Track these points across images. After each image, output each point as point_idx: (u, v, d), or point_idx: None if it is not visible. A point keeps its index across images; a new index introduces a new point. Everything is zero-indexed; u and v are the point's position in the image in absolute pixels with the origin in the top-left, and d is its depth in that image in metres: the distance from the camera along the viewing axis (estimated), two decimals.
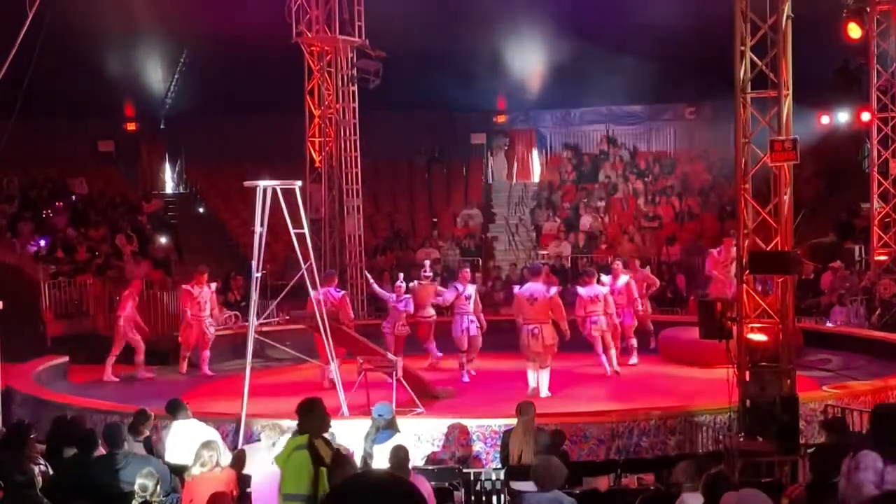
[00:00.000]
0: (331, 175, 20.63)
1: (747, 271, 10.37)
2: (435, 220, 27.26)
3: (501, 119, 29.35)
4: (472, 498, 9.47)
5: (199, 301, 16.34)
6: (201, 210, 27.93)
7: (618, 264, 17.22)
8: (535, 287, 14.19)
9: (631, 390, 14.41)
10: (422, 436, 10.96)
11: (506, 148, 29.52)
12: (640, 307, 16.60)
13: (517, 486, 8.87)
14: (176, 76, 28.18)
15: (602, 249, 24.17)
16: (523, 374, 14.43)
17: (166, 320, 17.95)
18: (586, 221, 25.51)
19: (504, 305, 19.67)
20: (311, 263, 11.84)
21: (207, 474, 7.83)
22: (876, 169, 18.67)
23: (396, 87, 20.65)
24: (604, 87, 26.55)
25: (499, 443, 10.48)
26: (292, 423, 10.19)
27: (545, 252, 24.69)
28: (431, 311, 16.36)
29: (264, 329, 12.76)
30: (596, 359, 15.39)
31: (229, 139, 27.30)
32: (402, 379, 12.53)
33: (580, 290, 15.55)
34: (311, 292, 12.18)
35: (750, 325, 10.41)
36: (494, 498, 9.48)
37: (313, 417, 7.30)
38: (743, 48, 10.27)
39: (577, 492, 8.66)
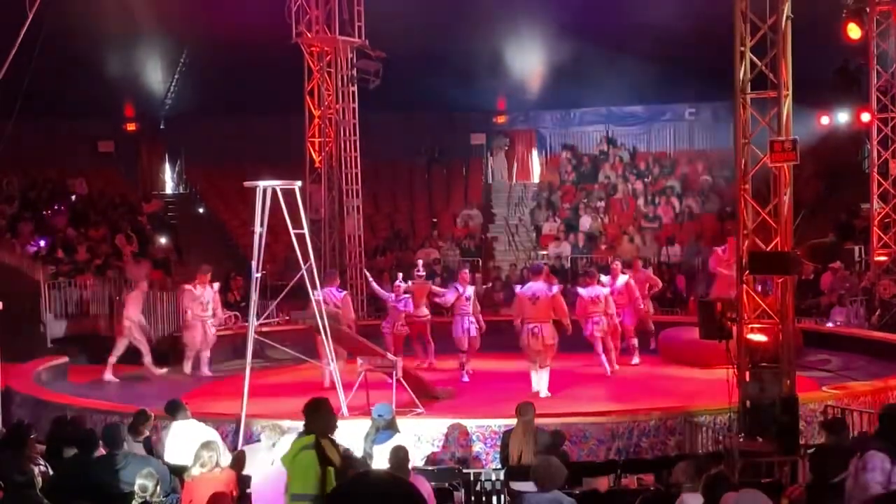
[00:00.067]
0: (331, 175, 20.63)
1: (747, 272, 10.38)
2: (435, 220, 27.27)
3: (501, 119, 29.36)
4: (472, 498, 9.46)
5: (202, 301, 16.28)
6: (201, 210, 27.94)
7: (617, 264, 17.23)
8: (537, 286, 14.22)
9: (631, 391, 14.41)
10: (422, 436, 10.96)
11: (506, 148, 29.52)
12: (641, 305, 16.61)
13: (517, 486, 8.86)
14: (176, 76, 28.20)
15: (602, 250, 24.19)
16: (523, 374, 14.43)
17: (166, 320, 17.96)
18: (586, 222, 25.52)
19: (504, 306, 19.68)
20: (310, 264, 11.83)
21: (207, 475, 7.83)
22: (876, 169, 18.66)
23: (396, 88, 20.65)
24: (603, 88, 26.58)
25: (498, 443, 10.48)
26: (292, 424, 10.22)
27: (545, 252, 24.71)
28: (425, 311, 16.35)
29: (264, 329, 12.75)
30: (596, 359, 15.41)
31: (229, 139, 27.33)
32: (402, 379, 12.52)
33: (581, 290, 15.58)
34: (312, 293, 12.17)
35: (750, 326, 10.41)
36: (494, 498, 9.48)
37: (320, 417, 7.29)
38: (743, 49, 10.27)
39: (577, 492, 8.65)
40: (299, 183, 11.97)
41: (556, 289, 14.48)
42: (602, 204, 26.32)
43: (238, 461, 8.86)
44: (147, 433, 9.81)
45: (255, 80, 24.32)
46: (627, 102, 28.57)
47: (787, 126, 10.23)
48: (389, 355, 13.60)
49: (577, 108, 29.28)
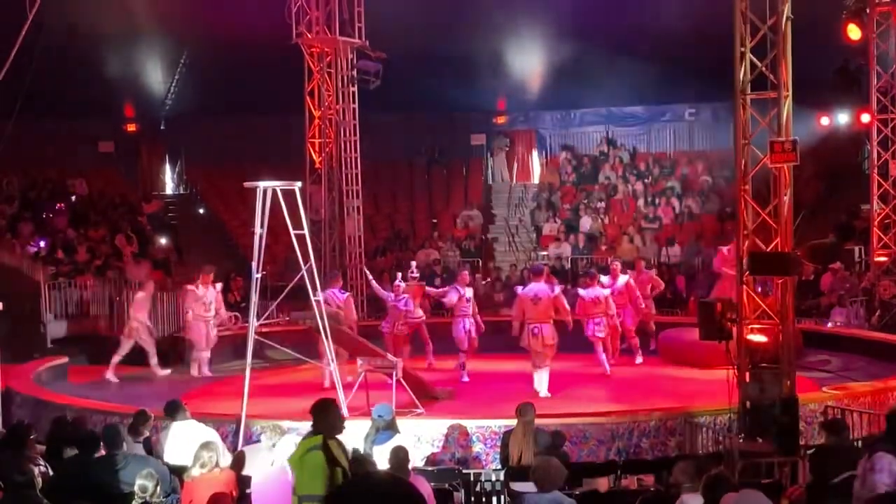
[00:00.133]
0: (331, 176, 20.63)
1: (747, 272, 10.38)
2: (435, 221, 27.28)
3: (501, 120, 29.37)
4: (472, 499, 9.46)
5: (205, 301, 16.20)
6: (201, 211, 27.95)
7: (616, 264, 17.23)
8: (538, 287, 14.25)
9: (631, 391, 14.41)
10: (421, 437, 10.96)
11: (506, 149, 29.52)
12: (642, 305, 16.61)
13: (517, 487, 8.87)
14: (176, 77, 28.22)
15: (602, 251, 24.19)
16: (522, 374, 14.44)
17: (166, 321, 17.95)
18: (586, 223, 25.53)
19: (504, 306, 19.68)
20: (311, 265, 11.82)
21: (207, 475, 7.83)
22: (876, 170, 18.65)
23: (396, 88, 20.65)
24: (603, 89, 26.60)
25: (499, 444, 10.47)
26: (292, 425, 10.25)
27: (545, 253, 24.72)
28: (420, 312, 16.34)
29: (264, 330, 12.75)
30: (596, 359, 15.42)
31: (229, 140, 27.36)
32: (402, 380, 12.52)
33: (581, 292, 15.60)
34: (312, 295, 12.14)
35: (750, 327, 10.41)
36: (494, 499, 9.47)
37: (327, 418, 7.28)
38: (743, 49, 10.27)
39: (577, 493, 8.66)
40: (299, 183, 11.96)
41: (558, 289, 14.57)
42: (602, 204, 26.34)
43: (238, 462, 8.86)
44: (147, 433, 9.81)
45: (256, 80, 24.34)
46: (627, 103, 28.59)
47: (787, 127, 10.23)
48: (390, 356, 13.60)
49: (577, 109, 29.29)
